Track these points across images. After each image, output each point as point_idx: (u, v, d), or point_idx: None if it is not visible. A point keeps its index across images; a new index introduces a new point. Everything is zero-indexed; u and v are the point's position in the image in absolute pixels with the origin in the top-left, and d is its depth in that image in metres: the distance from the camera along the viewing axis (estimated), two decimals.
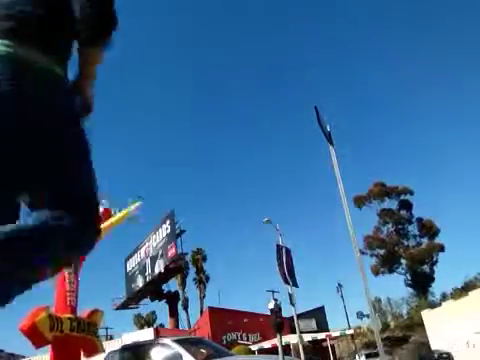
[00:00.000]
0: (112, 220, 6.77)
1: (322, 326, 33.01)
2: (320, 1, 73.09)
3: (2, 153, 0.97)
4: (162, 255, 26.58)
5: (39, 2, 1.12)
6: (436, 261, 38.23)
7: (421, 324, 26.18)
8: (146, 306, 35.17)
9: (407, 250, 38.97)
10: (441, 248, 37.97)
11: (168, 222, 26.46)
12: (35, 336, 4.17)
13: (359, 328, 39.83)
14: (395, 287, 73.87)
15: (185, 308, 39.07)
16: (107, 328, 29.81)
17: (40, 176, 1.03)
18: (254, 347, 26.18)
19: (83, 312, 5.15)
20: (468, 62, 58.24)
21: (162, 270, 26.29)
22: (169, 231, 26.20)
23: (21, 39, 1.05)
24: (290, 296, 12.05)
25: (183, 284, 39.51)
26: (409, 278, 39.00)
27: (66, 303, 4.82)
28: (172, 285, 32.50)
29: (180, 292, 35.30)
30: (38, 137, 1.01)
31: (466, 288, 31.58)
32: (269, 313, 6.71)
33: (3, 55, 1.01)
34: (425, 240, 39.28)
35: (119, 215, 7.04)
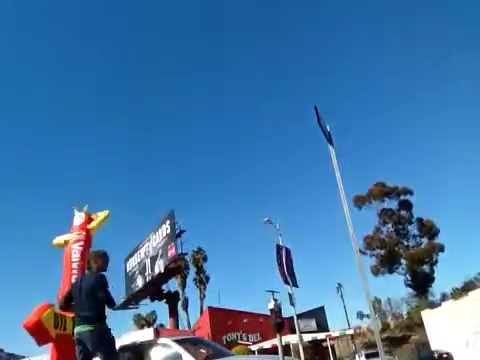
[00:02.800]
0: (96, 221, 7.66)
1: (322, 326, 32.98)
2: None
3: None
4: (162, 255, 26.54)
5: (93, 305, 4.09)
6: (436, 261, 38.25)
7: (421, 324, 26.19)
8: (146, 306, 35.16)
9: (407, 250, 38.97)
10: (441, 248, 37.97)
11: (168, 222, 26.41)
12: (40, 333, 4.17)
13: (359, 328, 39.87)
14: (395, 287, 73.86)
15: (185, 308, 39.05)
16: None
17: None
18: (254, 347, 26.18)
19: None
20: (469, 65, 58.23)
21: (162, 270, 26.25)
22: (169, 231, 26.15)
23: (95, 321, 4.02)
24: (290, 296, 12.02)
25: (183, 284, 39.48)
26: (409, 278, 39.00)
27: None
28: (172, 285, 32.46)
29: (180, 292, 35.26)
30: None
31: (466, 288, 31.59)
32: (269, 313, 6.67)
33: (92, 330, 4.01)
34: (425, 240, 39.30)
35: (101, 216, 7.78)
